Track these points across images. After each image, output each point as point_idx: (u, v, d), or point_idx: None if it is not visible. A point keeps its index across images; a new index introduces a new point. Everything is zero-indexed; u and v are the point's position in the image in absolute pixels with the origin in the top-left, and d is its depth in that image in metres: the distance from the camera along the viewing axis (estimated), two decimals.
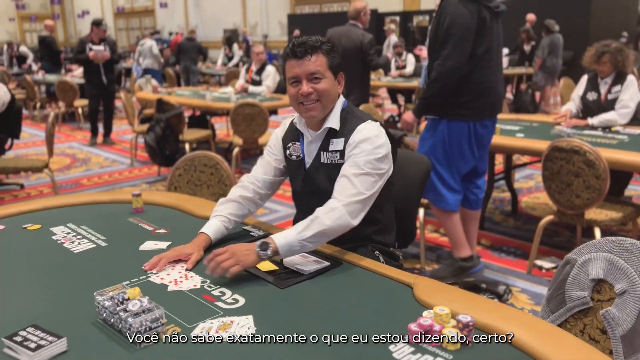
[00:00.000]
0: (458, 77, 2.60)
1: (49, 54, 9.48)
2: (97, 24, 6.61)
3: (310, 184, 1.74)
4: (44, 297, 1.39)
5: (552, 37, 8.38)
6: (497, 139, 3.33)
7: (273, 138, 1.85)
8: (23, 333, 1.16)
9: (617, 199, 3.16)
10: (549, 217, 2.96)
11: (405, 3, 16.04)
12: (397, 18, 15.62)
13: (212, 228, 1.71)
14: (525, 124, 3.86)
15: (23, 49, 11.25)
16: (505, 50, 9.92)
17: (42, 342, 1.12)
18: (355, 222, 1.60)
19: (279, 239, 1.51)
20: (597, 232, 2.76)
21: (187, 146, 5.28)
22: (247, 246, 1.51)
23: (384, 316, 1.26)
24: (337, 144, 1.67)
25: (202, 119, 6.55)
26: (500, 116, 4.34)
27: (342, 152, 1.67)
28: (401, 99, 8.32)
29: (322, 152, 1.71)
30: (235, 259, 1.45)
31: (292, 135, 1.79)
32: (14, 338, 1.14)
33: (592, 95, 3.69)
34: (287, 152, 1.79)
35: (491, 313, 1.23)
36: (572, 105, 3.81)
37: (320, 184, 1.70)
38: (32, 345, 1.11)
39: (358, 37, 4.63)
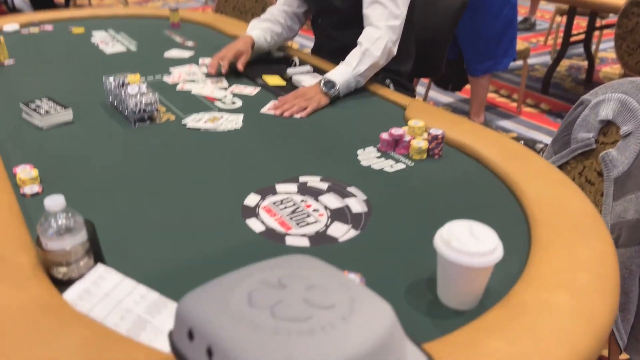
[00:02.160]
0: None
1: None
2: None
3: (324, 1, 1.70)
4: (67, 81, 1.54)
5: None
6: None
7: None
8: (38, 102, 1.30)
9: None
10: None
11: None
12: None
13: (254, 33, 1.73)
14: None
15: None
16: None
17: (51, 110, 1.27)
18: (395, 49, 1.56)
19: (338, 77, 1.46)
20: None
21: None
22: (312, 88, 1.46)
23: (368, 129, 1.29)
24: None
25: None
26: None
27: None
28: None
29: None
30: (306, 100, 1.41)
31: None
32: (30, 104, 1.29)
33: None
34: None
35: (469, 133, 1.22)
36: None
37: (333, 1, 1.65)
38: (42, 111, 1.26)
39: None
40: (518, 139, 2.61)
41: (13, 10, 5.07)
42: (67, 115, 1.27)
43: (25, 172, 1.02)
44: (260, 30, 1.76)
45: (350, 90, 1.50)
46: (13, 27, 1.96)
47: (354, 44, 1.53)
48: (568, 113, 1.43)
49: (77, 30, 2.00)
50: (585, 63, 4.13)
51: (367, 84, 1.54)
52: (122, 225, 0.91)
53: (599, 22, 3.76)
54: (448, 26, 1.88)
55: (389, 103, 1.45)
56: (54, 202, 0.72)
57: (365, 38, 1.52)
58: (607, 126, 1.33)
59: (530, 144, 2.51)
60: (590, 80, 3.81)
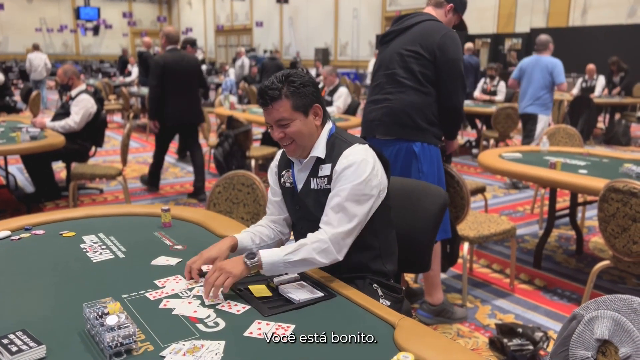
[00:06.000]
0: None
1: (145, 68, 10.15)
2: (192, 43, 6.95)
3: (301, 210, 1.78)
4: (48, 303, 1.50)
5: None
6: (555, 175, 3.13)
7: (269, 175, 1.91)
8: (11, 336, 1.25)
9: None
10: (605, 263, 2.73)
11: (500, 25, 15.58)
12: (488, 40, 15.21)
13: (240, 235, 1.79)
14: (594, 160, 3.60)
15: (134, 68, 12.24)
16: (602, 79, 9.33)
17: (23, 347, 1.21)
18: (341, 256, 1.63)
19: (265, 255, 1.57)
20: None
21: (252, 162, 5.44)
22: (234, 259, 1.57)
23: (354, 356, 1.23)
24: (325, 169, 1.70)
25: None
26: (569, 149, 4.10)
27: (329, 177, 1.69)
28: (479, 124, 8.06)
29: (311, 179, 1.74)
30: (224, 273, 1.51)
31: (285, 163, 1.84)
32: (2, 340, 1.24)
33: None
34: (282, 180, 1.83)
35: None
36: None
37: (311, 209, 1.73)
38: (14, 349, 1.20)
39: None
40: (515, 325, 2.53)
41: (16, 190, 5.24)
42: (39, 353, 1.21)
43: None
44: (248, 232, 1.83)
45: (278, 273, 1.58)
46: (4, 234, 1.99)
47: None
48: (562, 327, 1.39)
49: (68, 234, 2.02)
50: (571, 232, 4.20)
51: (356, 295, 1.52)
52: None
53: (581, 198, 3.89)
54: (430, 227, 1.91)
55: (376, 318, 1.41)
56: None
57: (312, 235, 1.62)
58: (605, 345, 1.29)
59: (529, 332, 2.43)
60: (581, 252, 3.84)
